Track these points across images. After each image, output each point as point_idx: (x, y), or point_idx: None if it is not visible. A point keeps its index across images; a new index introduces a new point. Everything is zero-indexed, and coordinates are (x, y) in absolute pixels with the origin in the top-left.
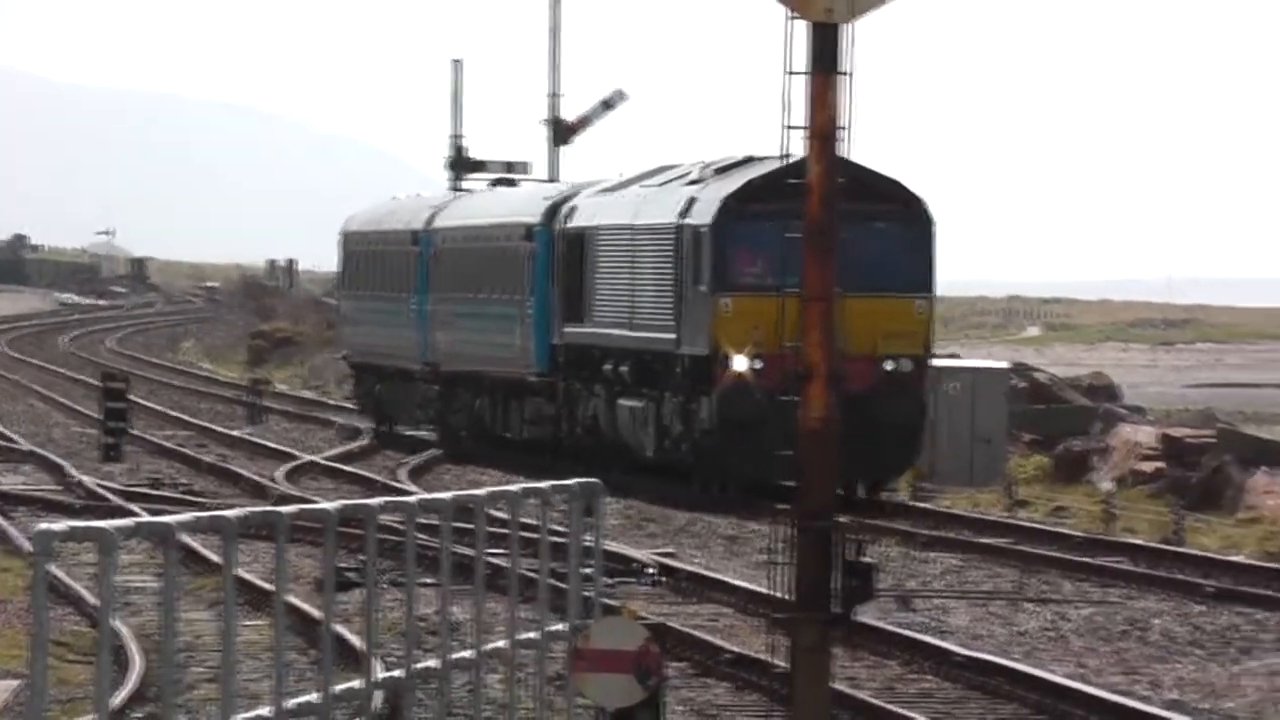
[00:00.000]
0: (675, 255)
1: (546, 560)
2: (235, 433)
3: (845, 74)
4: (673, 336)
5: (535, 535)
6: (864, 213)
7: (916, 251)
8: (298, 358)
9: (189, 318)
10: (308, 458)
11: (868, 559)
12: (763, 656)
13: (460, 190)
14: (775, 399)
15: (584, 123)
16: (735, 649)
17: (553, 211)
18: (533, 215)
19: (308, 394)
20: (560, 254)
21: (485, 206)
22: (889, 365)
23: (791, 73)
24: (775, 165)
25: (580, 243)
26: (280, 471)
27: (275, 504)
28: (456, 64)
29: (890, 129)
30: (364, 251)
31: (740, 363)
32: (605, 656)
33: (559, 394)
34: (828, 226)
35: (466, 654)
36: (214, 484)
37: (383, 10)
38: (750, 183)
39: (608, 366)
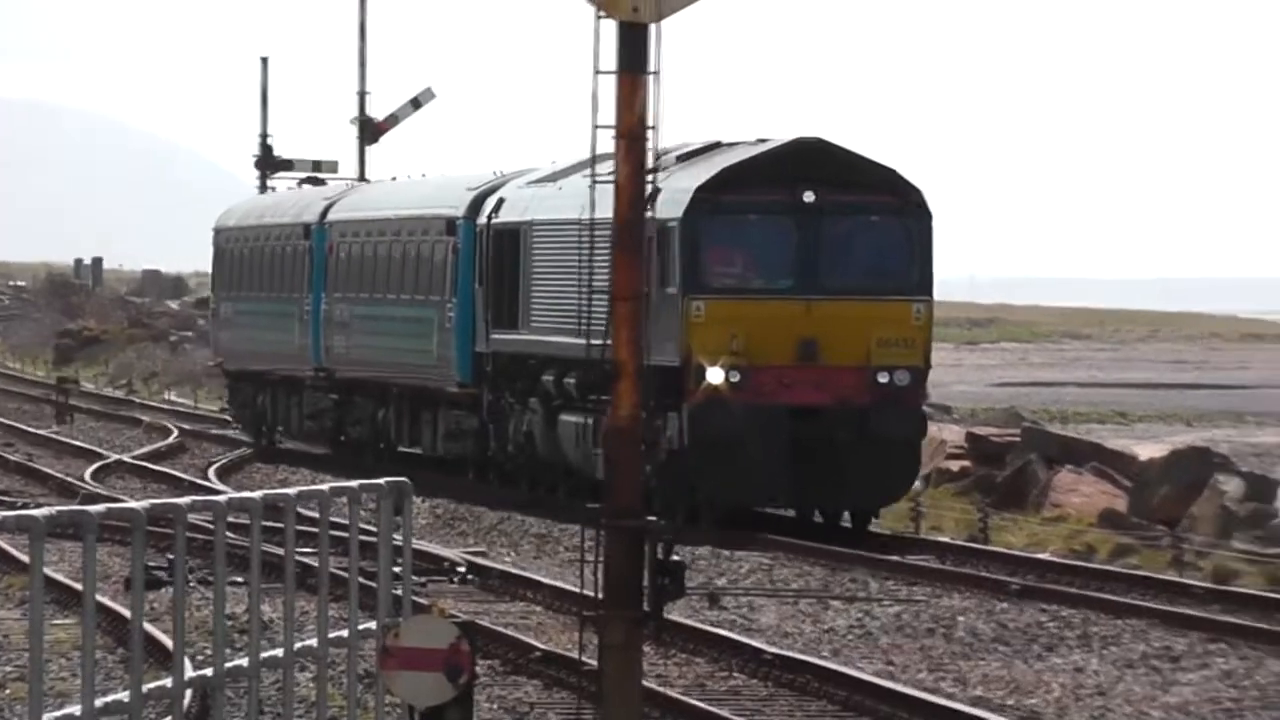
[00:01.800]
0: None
1: (356, 559)
2: (43, 431)
3: (653, 73)
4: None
5: (345, 534)
6: (854, 205)
7: (913, 249)
8: (104, 356)
9: None
10: (115, 456)
11: (677, 558)
12: (572, 654)
13: (272, 188)
14: (756, 415)
15: (392, 121)
16: (545, 646)
17: (478, 203)
18: (454, 207)
19: (115, 392)
20: (487, 251)
21: (393, 197)
22: (883, 378)
23: (600, 72)
24: (750, 152)
25: (514, 239)
26: (88, 471)
27: (82, 503)
28: (264, 61)
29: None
30: (243, 249)
31: (715, 374)
32: (415, 654)
33: (484, 407)
34: (636, 226)
35: (276, 652)
36: (21, 483)
37: (191, 6)
38: (724, 171)
39: (548, 377)
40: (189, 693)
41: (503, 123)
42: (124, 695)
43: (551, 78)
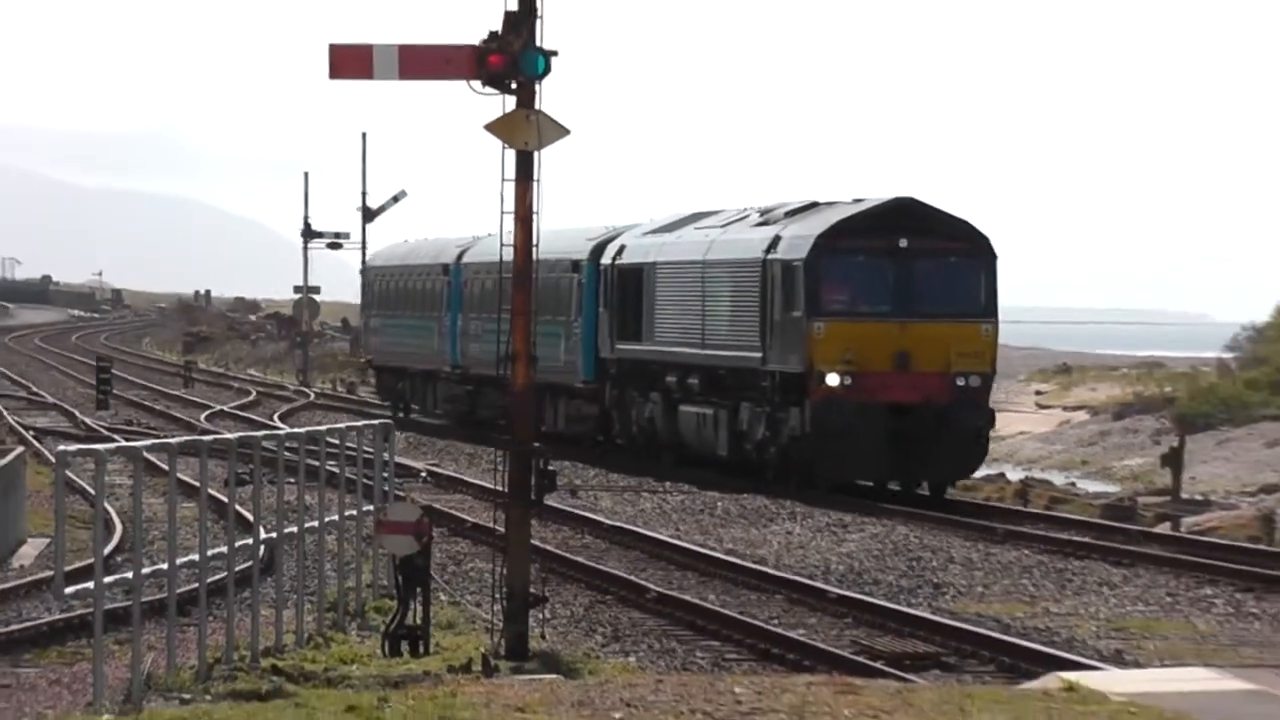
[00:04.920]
0: (762, 285)
1: (361, 469)
2: (175, 392)
3: (537, 181)
4: (758, 355)
5: (355, 453)
6: (938, 249)
7: (982, 282)
8: (212, 348)
9: (147, 324)
10: (219, 406)
11: (551, 467)
12: (489, 525)
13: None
14: (863, 410)
15: (381, 209)
16: (474, 520)
17: (599, 249)
18: (579, 252)
19: (218, 369)
20: (614, 283)
21: None
22: (960, 381)
23: (505, 179)
24: (853, 209)
25: (637, 275)
26: (203, 415)
27: (201, 435)
28: (305, 175)
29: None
30: (388, 281)
31: (833, 379)
32: (396, 525)
33: (606, 398)
34: (526, 273)
35: (313, 523)
36: (163, 423)
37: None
38: (839, 223)
39: (671, 379)
40: (262, 548)
41: (452, 208)
42: (223, 548)
43: (484, 179)
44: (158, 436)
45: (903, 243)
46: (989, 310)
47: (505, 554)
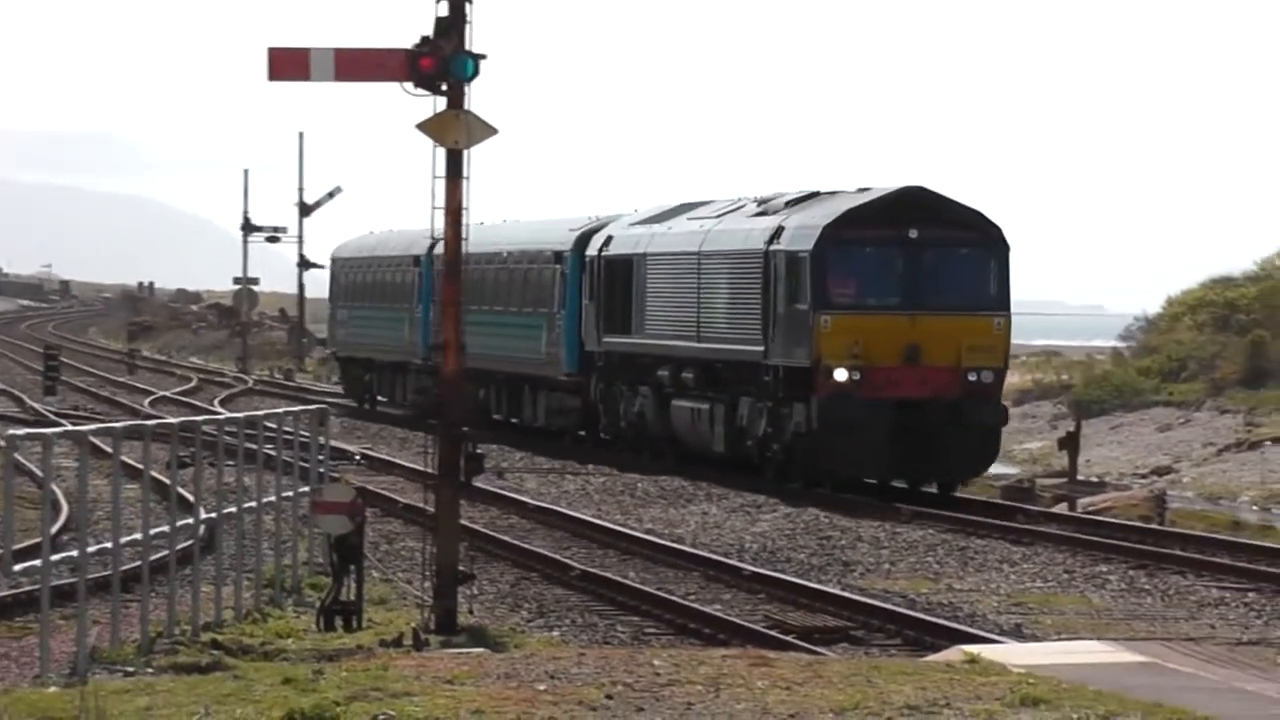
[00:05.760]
0: (764, 277)
1: (297, 451)
2: (120, 379)
3: (466, 178)
4: (760, 348)
5: (291, 437)
6: (948, 239)
7: (994, 274)
8: (155, 336)
9: (94, 314)
10: (161, 392)
11: (480, 451)
12: (421, 505)
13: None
14: (871, 406)
15: (318, 204)
16: (405, 500)
17: (583, 240)
18: (561, 244)
19: (161, 357)
20: (600, 275)
21: (493, 236)
22: (972, 376)
23: (436, 177)
24: (860, 198)
25: (626, 267)
26: (146, 401)
27: (145, 420)
28: (245, 172)
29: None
30: (357, 273)
31: (840, 373)
32: (331, 505)
33: (592, 392)
34: (456, 262)
35: (252, 504)
36: (108, 409)
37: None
38: (847, 212)
39: (663, 372)
40: (202, 527)
41: (385, 204)
42: (166, 528)
43: (417, 176)
44: (103, 421)
45: (912, 233)
46: (1001, 302)
47: (435, 533)
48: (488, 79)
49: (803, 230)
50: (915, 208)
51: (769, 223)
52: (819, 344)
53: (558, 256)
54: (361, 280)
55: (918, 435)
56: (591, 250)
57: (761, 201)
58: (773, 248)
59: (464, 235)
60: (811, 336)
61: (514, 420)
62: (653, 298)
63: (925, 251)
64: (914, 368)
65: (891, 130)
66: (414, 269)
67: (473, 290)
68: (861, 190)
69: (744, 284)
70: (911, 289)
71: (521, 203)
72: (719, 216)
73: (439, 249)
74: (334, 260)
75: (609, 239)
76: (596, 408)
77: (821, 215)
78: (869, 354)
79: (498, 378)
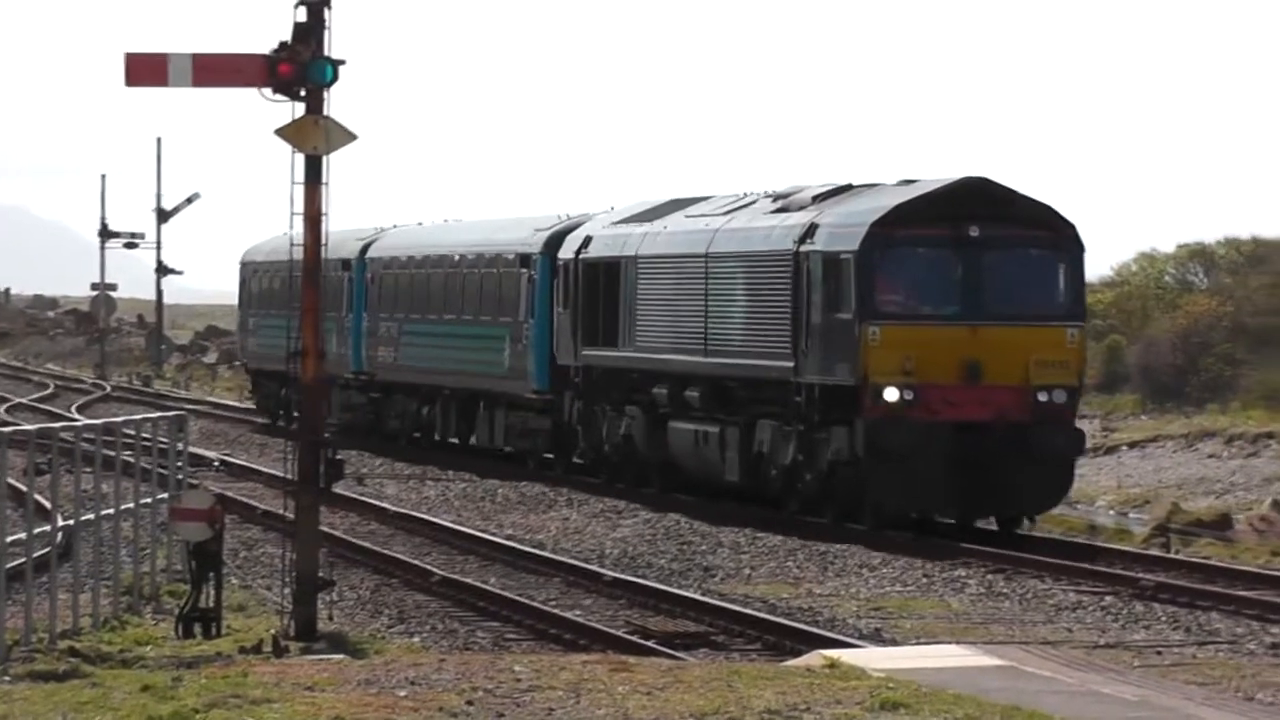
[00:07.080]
0: (795, 282)
1: (156, 458)
2: None
3: (325, 184)
4: (788, 364)
5: (150, 443)
6: (1015, 239)
7: (1067, 278)
8: (12, 344)
9: None
10: (18, 399)
11: (340, 457)
12: (280, 511)
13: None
14: (926, 430)
15: (176, 210)
16: (265, 507)
17: (554, 241)
18: (528, 245)
19: (18, 364)
20: (577, 281)
21: (441, 237)
22: (1042, 396)
23: (295, 182)
24: (906, 192)
25: (611, 271)
26: (2, 408)
27: (3, 427)
28: (103, 177)
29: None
30: (271, 277)
31: (891, 393)
32: (190, 512)
33: (566, 412)
34: (316, 269)
35: (110, 511)
36: None
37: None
38: (898, 208)
39: (659, 390)
40: (60, 534)
41: (247, 211)
42: (22, 535)
43: (276, 181)
44: None
45: (974, 231)
46: (1075, 312)
47: (294, 539)
48: (348, 83)
49: (843, 228)
50: (976, 202)
51: (796, 220)
52: (866, 359)
53: (524, 260)
54: (278, 286)
55: (979, 464)
56: (566, 253)
57: (778, 196)
58: (804, 248)
59: (324, 241)
60: (857, 351)
61: (462, 441)
62: (646, 306)
63: (988, 253)
64: (975, 386)
65: (866, 123)
66: (344, 273)
67: (415, 296)
68: (905, 183)
69: (766, 290)
70: (972, 296)
71: (463, 203)
72: (728, 213)
73: (373, 251)
74: (244, 264)
75: (587, 239)
76: (573, 429)
77: (865, 211)
78: (923, 370)
79: (444, 394)
